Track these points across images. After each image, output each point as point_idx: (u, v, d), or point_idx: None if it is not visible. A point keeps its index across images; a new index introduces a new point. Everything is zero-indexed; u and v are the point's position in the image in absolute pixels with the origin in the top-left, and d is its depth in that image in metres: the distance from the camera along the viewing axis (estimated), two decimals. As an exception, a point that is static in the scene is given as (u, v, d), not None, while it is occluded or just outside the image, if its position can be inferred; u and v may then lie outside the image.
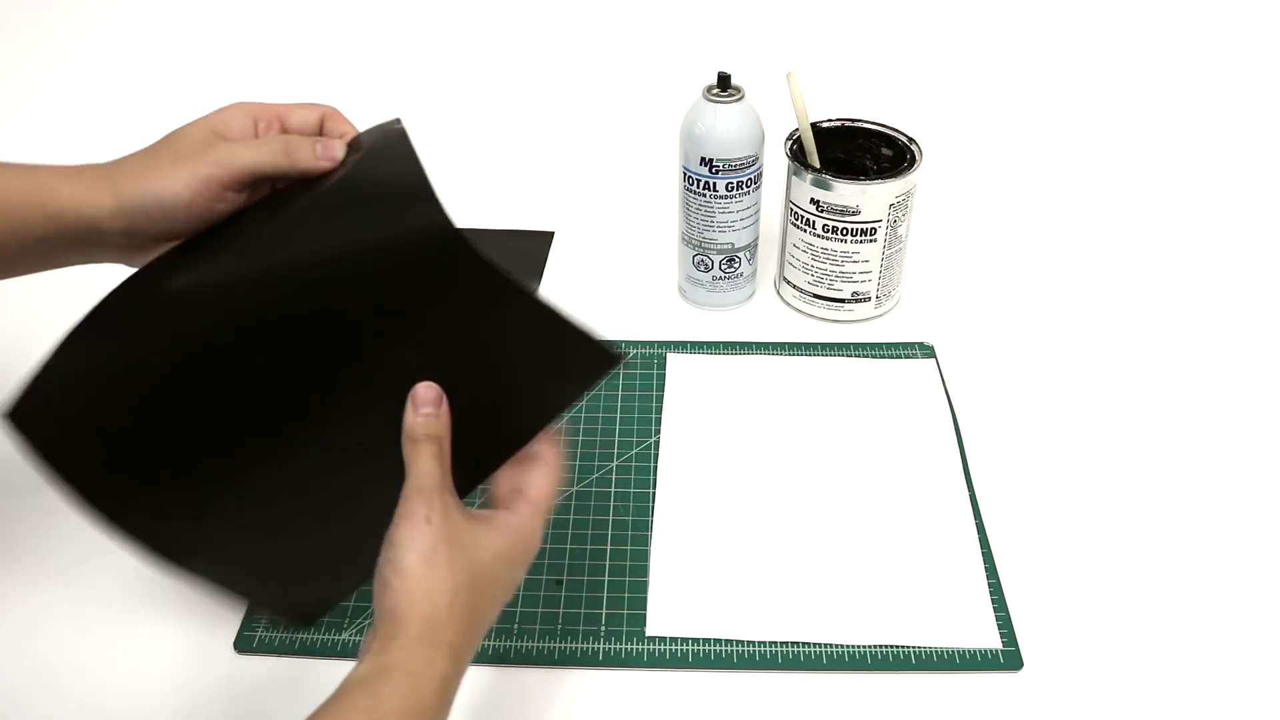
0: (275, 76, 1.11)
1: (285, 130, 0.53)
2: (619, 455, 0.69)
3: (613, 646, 0.57)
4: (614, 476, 0.68)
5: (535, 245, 0.91)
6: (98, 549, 0.63)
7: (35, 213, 0.49)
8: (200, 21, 1.12)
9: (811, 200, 0.75)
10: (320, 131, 0.53)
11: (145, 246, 0.51)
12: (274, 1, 1.14)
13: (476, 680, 0.56)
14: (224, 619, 0.59)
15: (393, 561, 0.44)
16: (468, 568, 0.45)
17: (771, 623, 0.58)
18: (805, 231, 0.78)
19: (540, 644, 0.57)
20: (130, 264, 0.53)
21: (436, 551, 0.44)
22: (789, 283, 0.82)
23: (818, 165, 0.76)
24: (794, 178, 0.77)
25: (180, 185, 0.49)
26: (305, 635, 0.58)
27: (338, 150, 0.51)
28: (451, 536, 0.45)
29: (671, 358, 0.77)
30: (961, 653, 0.57)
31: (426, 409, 0.47)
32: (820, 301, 0.81)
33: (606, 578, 0.61)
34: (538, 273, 0.87)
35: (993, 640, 0.57)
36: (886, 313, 0.82)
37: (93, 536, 0.64)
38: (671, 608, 0.59)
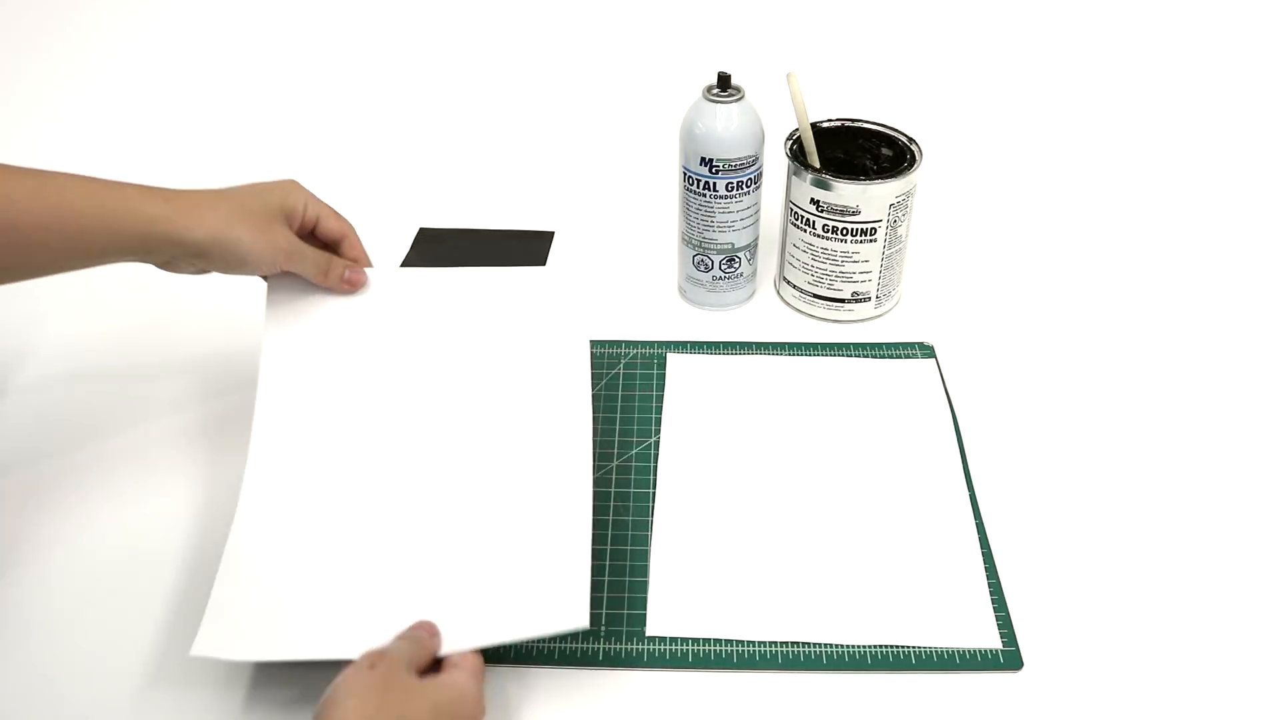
0: (276, 78, 1.11)
1: (316, 231, 0.65)
2: (619, 455, 0.69)
3: (613, 646, 0.57)
4: (614, 476, 0.68)
5: (535, 245, 0.91)
6: (96, 549, 0.63)
7: (128, 229, 0.56)
8: (205, 19, 1.12)
9: (811, 200, 0.75)
10: (338, 245, 0.66)
11: (193, 269, 0.62)
12: (276, 3, 1.14)
13: (476, 680, 0.56)
14: (224, 619, 0.59)
15: (329, 699, 0.47)
16: (398, 714, 0.47)
17: (771, 623, 0.58)
18: (805, 231, 0.78)
19: (540, 644, 0.57)
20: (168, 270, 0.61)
21: (370, 692, 0.47)
22: (789, 283, 0.82)
23: (818, 165, 0.76)
24: (794, 178, 0.77)
25: (262, 257, 0.61)
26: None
27: (361, 282, 0.66)
28: (389, 682, 0.48)
29: (671, 358, 0.77)
30: (961, 653, 0.57)
31: (421, 633, 0.52)
32: (820, 301, 0.81)
33: (606, 578, 0.61)
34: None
35: (993, 640, 0.57)
36: (886, 313, 0.82)
37: (90, 536, 0.64)
38: (671, 608, 0.59)
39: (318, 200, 0.64)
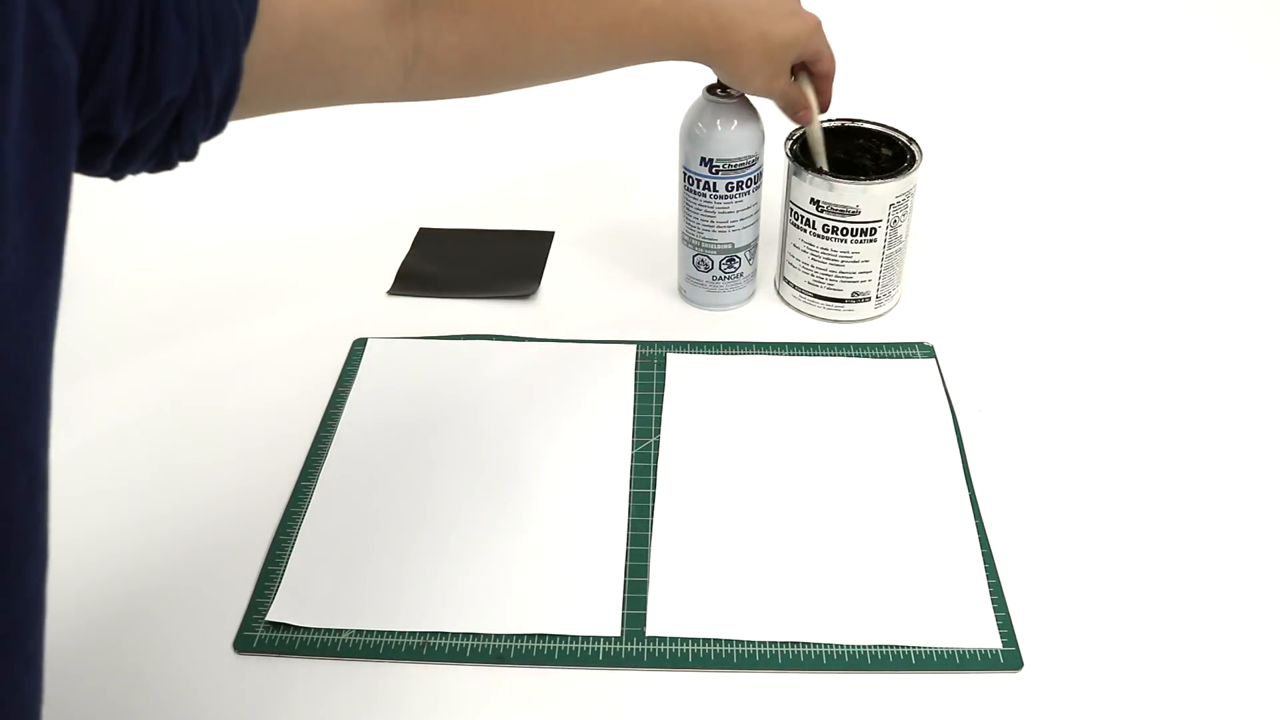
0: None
1: (811, 67, 0.74)
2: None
3: (613, 646, 0.57)
4: (614, 476, 0.68)
5: (535, 245, 0.91)
6: (97, 547, 0.63)
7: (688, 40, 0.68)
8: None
9: (811, 200, 0.75)
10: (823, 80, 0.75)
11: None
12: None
13: (476, 680, 0.56)
14: (224, 619, 0.59)
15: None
16: None
17: (771, 623, 0.58)
18: (805, 231, 0.78)
19: (540, 644, 0.57)
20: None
21: None
22: (789, 283, 0.82)
23: (825, 167, 0.76)
24: (794, 178, 0.77)
25: (761, 93, 0.73)
26: (304, 636, 0.58)
27: (810, 120, 0.76)
28: None
29: (671, 358, 0.77)
30: (961, 653, 0.57)
31: None
32: (820, 301, 0.81)
33: (606, 578, 0.61)
34: (538, 273, 0.87)
35: (993, 640, 0.57)
36: (886, 313, 0.82)
37: (91, 535, 0.64)
38: (672, 608, 0.59)
39: (820, 43, 0.73)
